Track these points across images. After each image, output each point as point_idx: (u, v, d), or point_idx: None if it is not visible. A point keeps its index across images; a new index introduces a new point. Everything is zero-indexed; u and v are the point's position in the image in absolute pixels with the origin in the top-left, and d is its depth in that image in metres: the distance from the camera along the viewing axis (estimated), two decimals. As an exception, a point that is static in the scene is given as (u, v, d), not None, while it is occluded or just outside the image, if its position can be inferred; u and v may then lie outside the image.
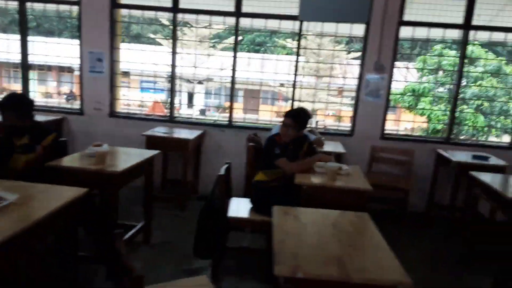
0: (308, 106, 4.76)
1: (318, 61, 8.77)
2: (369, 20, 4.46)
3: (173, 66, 4.82)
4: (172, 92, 4.99)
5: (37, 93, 10.69)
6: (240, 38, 5.74)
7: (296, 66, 4.75)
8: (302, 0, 4.39)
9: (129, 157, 3.13)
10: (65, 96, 13.67)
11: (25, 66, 5.06)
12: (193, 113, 11.75)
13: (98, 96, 4.94)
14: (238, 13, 4.65)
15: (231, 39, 6.32)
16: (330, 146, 4.35)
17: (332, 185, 2.81)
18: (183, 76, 9.96)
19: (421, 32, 4.60)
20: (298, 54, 4.78)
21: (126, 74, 10.38)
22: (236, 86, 5.01)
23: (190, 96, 15.38)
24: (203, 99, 15.87)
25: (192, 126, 4.89)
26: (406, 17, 4.50)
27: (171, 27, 4.85)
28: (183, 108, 14.42)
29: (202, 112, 13.61)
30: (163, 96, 13.92)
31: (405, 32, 4.58)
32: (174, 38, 4.77)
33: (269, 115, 10.32)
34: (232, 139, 4.85)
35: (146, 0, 4.81)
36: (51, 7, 4.88)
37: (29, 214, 1.84)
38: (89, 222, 2.58)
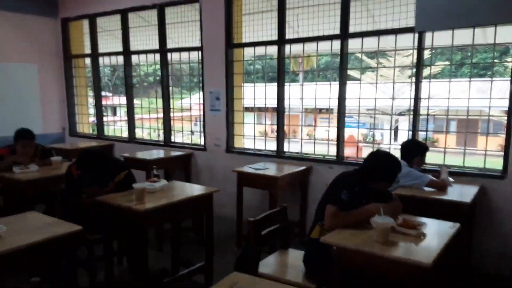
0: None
1: None
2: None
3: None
4: (279, 126, 4.75)
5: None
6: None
7: None
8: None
9: (181, 192, 3.07)
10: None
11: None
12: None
13: (217, 133, 5.17)
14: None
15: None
16: (454, 192, 3.20)
17: (372, 251, 1.97)
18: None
19: None
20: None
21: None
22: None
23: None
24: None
25: (300, 162, 4.50)
26: None
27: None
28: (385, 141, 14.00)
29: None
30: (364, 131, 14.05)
31: None
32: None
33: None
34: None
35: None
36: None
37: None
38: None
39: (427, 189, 3.22)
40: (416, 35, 3.67)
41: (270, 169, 4.25)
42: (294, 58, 16.76)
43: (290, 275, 2.48)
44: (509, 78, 3.35)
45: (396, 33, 3.81)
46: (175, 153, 5.39)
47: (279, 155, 4.73)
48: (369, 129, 12.36)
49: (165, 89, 5.65)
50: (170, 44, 5.55)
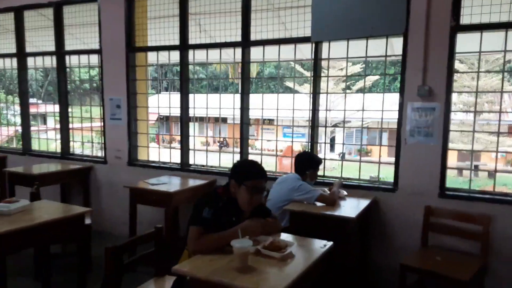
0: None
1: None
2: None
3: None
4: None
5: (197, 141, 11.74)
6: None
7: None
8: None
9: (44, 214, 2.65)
10: (218, 144, 14.98)
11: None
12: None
13: (118, 144, 4.76)
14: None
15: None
16: (345, 206, 3.12)
17: (220, 281, 1.73)
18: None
19: None
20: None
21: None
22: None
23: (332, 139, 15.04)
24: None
25: (205, 176, 4.25)
26: None
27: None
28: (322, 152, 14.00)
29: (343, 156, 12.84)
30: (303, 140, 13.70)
31: None
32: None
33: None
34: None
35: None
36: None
37: None
38: None
39: (318, 204, 3.12)
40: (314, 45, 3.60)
41: (168, 183, 3.94)
42: (233, 67, 16.76)
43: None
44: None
45: (295, 42, 3.72)
46: (74, 166, 4.91)
47: (184, 168, 4.43)
48: (307, 141, 12.43)
49: (62, 95, 5.14)
50: (67, 47, 5.07)
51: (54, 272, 3.44)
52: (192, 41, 4.29)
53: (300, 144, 14.09)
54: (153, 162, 4.73)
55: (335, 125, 12.88)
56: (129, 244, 2.31)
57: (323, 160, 3.49)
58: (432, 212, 3.27)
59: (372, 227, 3.53)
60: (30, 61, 5.44)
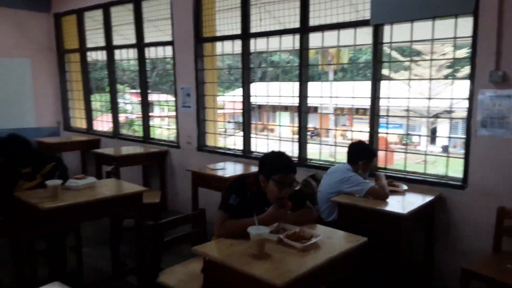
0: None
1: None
2: None
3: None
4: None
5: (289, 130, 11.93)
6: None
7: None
8: None
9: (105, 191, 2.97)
10: (309, 133, 15.00)
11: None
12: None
13: (188, 130, 5.05)
14: None
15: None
16: (398, 201, 2.91)
17: (232, 265, 1.76)
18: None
19: None
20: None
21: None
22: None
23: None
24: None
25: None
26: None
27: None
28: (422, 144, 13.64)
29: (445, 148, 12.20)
30: (400, 131, 12.91)
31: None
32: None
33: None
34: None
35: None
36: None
37: None
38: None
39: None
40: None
41: (228, 169, 4.08)
42: (323, 54, 16.34)
43: (187, 287, 2.30)
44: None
45: (354, 26, 3.52)
46: (153, 150, 5.34)
47: (245, 155, 4.54)
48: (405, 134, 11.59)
49: (143, 84, 5.60)
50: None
51: (124, 243, 3.83)
52: (253, 29, 4.32)
53: (396, 136, 12.98)
54: (220, 148, 4.93)
55: (436, 115, 11.67)
56: (169, 223, 2.47)
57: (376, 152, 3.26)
58: (507, 214, 2.87)
59: (436, 227, 3.24)
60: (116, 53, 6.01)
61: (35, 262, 3.02)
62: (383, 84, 3.49)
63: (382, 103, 3.55)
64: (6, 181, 3.15)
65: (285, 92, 4.41)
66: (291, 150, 4.12)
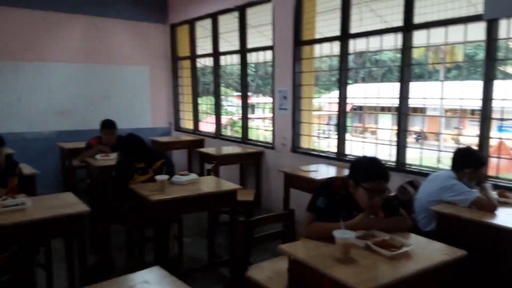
0: None
1: None
2: None
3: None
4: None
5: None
6: None
7: None
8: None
9: (204, 187, 3.22)
10: (415, 136, 14.17)
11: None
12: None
13: (284, 132, 5.17)
14: None
15: None
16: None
17: (315, 266, 1.77)
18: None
19: None
20: None
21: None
22: None
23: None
24: None
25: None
26: None
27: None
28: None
29: None
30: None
31: None
32: None
33: None
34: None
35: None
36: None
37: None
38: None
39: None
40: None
41: (320, 171, 4.08)
42: (435, 52, 15.12)
43: (273, 284, 2.37)
44: None
45: (465, 22, 3.22)
46: (250, 150, 5.59)
47: (339, 157, 4.48)
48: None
49: (244, 88, 5.88)
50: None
51: (221, 236, 4.10)
52: (354, 30, 4.23)
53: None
54: (313, 150, 4.94)
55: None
56: (260, 221, 2.58)
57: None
58: None
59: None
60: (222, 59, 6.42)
61: (144, 247, 3.40)
62: (500, 83, 3.12)
63: (497, 104, 3.19)
64: (124, 174, 3.62)
65: (387, 93, 4.24)
66: (389, 154, 3.94)
